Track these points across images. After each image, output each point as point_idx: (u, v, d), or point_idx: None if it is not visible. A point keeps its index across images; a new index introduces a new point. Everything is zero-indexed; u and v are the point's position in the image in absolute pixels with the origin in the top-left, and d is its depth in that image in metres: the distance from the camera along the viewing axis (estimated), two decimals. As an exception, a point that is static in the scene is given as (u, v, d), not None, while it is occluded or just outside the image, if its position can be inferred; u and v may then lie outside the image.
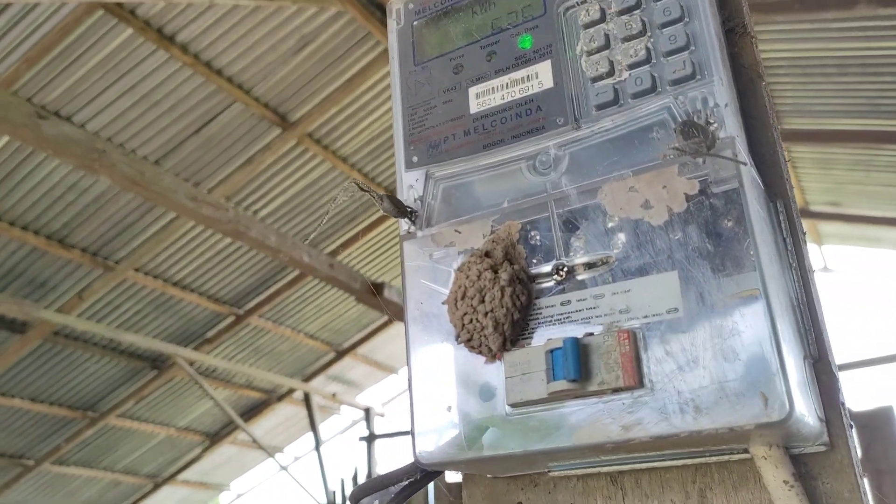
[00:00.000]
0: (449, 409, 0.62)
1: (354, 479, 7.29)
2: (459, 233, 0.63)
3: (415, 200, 0.67)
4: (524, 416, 0.57)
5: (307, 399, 8.39)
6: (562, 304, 0.58)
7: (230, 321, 7.01)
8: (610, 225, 0.57)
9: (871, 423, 5.84)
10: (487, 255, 0.59)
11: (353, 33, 5.45)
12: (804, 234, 0.65)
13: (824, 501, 0.57)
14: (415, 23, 0.73)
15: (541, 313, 0.58)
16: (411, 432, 0.62)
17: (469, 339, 0.58)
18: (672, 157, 0.53)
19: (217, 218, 3.90)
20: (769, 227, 0.60)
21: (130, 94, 4.85)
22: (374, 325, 8.31)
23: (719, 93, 0.56)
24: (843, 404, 0.59)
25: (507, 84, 0.65)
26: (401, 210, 0.65)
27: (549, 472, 0.67)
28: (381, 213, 5.76)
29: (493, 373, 0.59)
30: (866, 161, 5.92)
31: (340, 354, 8.40)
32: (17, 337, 6.02)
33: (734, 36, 0.69)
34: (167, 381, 7.32)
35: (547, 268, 0.59)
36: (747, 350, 0.50)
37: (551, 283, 0.59)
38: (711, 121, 0.54)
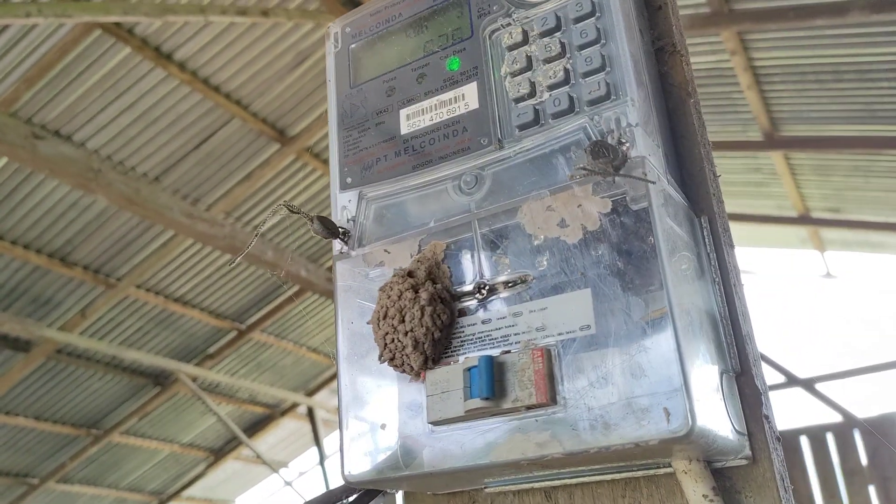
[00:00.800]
0: (383, 426, 0.62)
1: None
2: (389, 252, 0.64)
3: (348, 221, 0.68)
4: (445, 434, 0.57)
5: (311, 413, 8.39)
6: (483, 322, 0.58)
7: (232, 336, 7.03)
8: (529, 244, 0.58)
9: (877, 429, 5.77)
10: (410, 274, 0.60)
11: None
12: (732, 248, 0.65)
13: (743, 515, 0.57)
14: (352, 46, 0.74)
15: (463, 332, 0.59)
16: (340, 451, 0.63)
17: (392, 357, 0.59)
18: (579, 177, 0.54)
19: (213, 234, 3.93)
20: (691, 242, 0.61)
21: (129, 111, 4.89)
22: (376, 339, 8.31)
23: (632, 113, 0.56)
24: (766, 417, 0.60)
25: (435, 105, 0.66)
26: (331, 231, 0.66)
27: (485, 488, 0.67)
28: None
29: (419, 391, 0.60)
30: (865, 167, 5.91)
31: (344, 368, 8.41)
32: (21, 356, 6.06)
33: (664, 55, 0.70)
34: (170, 397, 7.34)
35: (469, 287, 0.60)
36: (653, 366, 0.51)
37: (474, 302, 0.59)
38: (623, 140, 0.55)
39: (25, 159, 3.60)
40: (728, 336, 0.60)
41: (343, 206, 0.68)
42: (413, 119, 0.67)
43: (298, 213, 0.64)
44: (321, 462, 8.22)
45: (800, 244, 7.71)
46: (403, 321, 0.58)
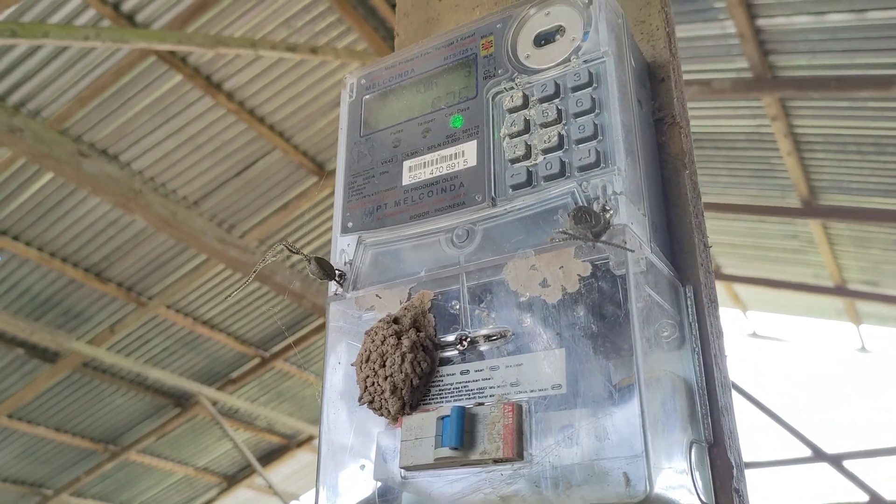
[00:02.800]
0: (362, 467, 0.64)
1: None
2: (380, 298, 0.67)
3: (345, 264, 0.70)
4: (416, 479, 0.59)
5: (327, 447, 8.37)
6: (461, 373, 0.60)
7: (255, 363, 7.08)
8: (512, 300, 0.60)
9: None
10: (396, 321, 0.62)
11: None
12: (716, 319, 0.66)
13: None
14: (365, 97, 0.78)
15: (443, 381, 0.61)
16: (316, 488, 0.64)
17: (371, 400, 0.61)
18: (559, 240, 0.56)
19: (244, 261, 4.00)
20: (673, 311, 0.62)
21: (176, 136, 5.04)
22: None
23: (617, 181, 0.58)
24: (737, 491, 0.60)
25: (437, 160, 0.69)
26: (328, 273, 0.68)
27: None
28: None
29: (396, 436, 0.62)
30: (904, 242, 5.81)
31: (363, 404, 8.39)
32: (48, 366, 6.17)
33: (663, 125, 0.72)
34: (189, 419, 7.39)
35: (452, 337, 0.61)
36: (618, 431, 0.51)
37: (455, 353, 0.61)
38: (608, 207, 0.57)
39: (71, 175, 3.73)
40: (703, 406, 0.61)
41: (342, 250, 0.71)
42: (415, 171, 0.70)
43: (297, 253, 0.67)
44: (333, 497, 8.16)
45: (835, 315, 7.56)
46: (384, 366, 0.60)
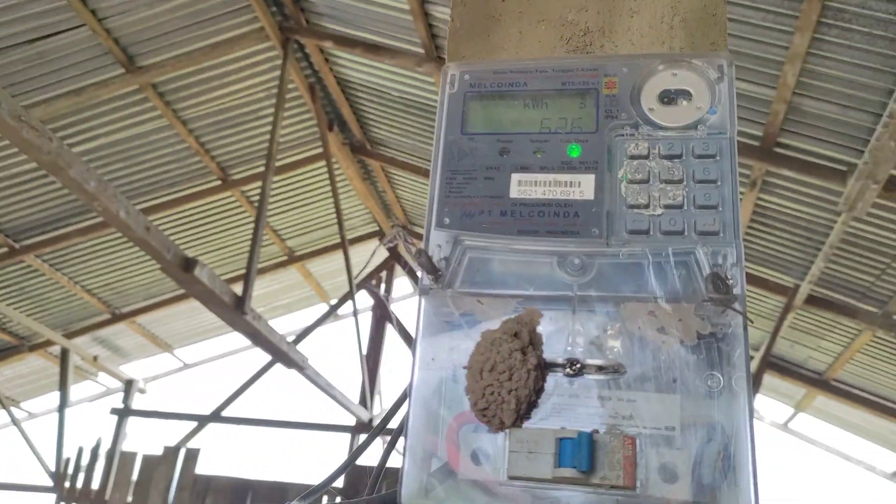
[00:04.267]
0: (443, 463, 0.66)
1: (95, 451, 6.77)
2: (482, 304, 0.69)
3: (440, 259, 0.71)
4: (520, 489, 0.63)
5: (64, 356, 7.69)
6: (570, 396, 0.65)
7: (2, 252, 6.30)
8: (625, 339, 0.65)
9: None
10: (516, 335, 0.65)
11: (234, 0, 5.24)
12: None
13: None
14: (467, 93, 0.78)
15: (549, 399, 0.65)
16: (399, 479, 0.65)
17: (486, 408, 0.63)
18: (707, 301, 0.63)
19: (38, 146, 3.53)
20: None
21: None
22: (163, 297, 7.85)
23: (734, 253, 0.66)
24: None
25: (550, 182, 0.72)
26: (433, 268, 0.68)
27: (489, 532, 0.73)
28: (206, 185, 5.49)
29: (489, 441, 0.65)
30: None
31: (116, 318, 7.82)
32: None
33: (724, 193, 0.81)
34: None
35: (559, 359, 0.66)
36: (730, 478, 0.60)
37: (560, 374, 0.65)
38: (729, 276, 0.65)
39: None
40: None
41: (438, 245, 0.71)
42: (524, 186, 0.72)
43: (410, 244, 0.66)
44: (61, 409, 7.55)
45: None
46: (511, 379, 0.62)
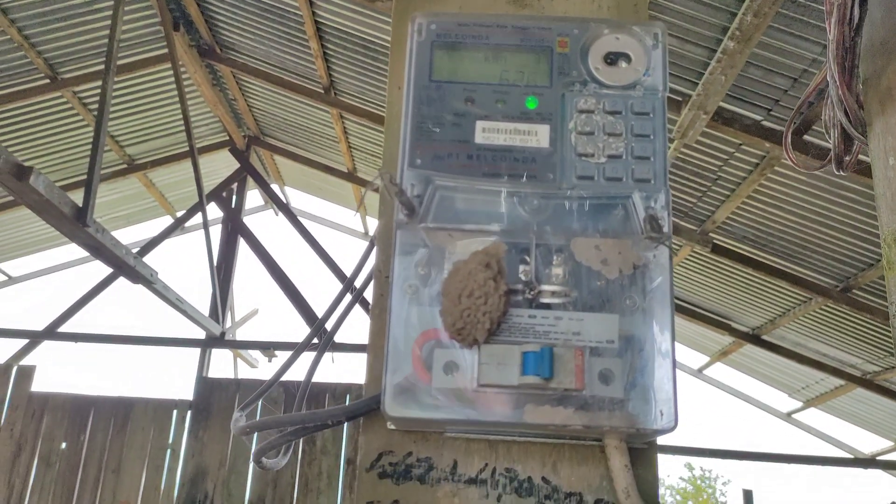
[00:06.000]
0: (422, 377, 0.76)
1: None
2: (451, 237, 0.78)
3: (413, 196, 0.79)
4: (489, 395, 0.74)
5: None
6: (529, 317, 0.76)
7: None
8: (574, 268, 0.78)
9: None
10: (488, 266, 0.75)
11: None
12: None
13: (637, 482, 0.84)
14: (434, 42, 0.84)
15: (511, 319, 0.76)
16: (382, 389, 0.75)
17: (462, 328, 0.73)
18: (645, 238, 0.76)
19: None
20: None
21: None
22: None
23: (664, 198, 0.80)
24: (653, 417, 0.88)
25: (511, 130, 0.81)
26: (410, 205, 0.77)
27: (444, 432, 0.84)
28: (31, 83, 5.05)
29: (459, 355, 0.76)
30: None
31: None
32: None
33: (642, 143, 0.94)
34: None
35: (520, 286, 0.77)
36: (656, 380, 0.75)
37: (520, 299, 0.77)
38: (661, 217, 0.78)
39: None
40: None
41: (412, 184, 0.79)
42: (488, 133, 0.81)
43: (395, 186, 0.74)
44: None
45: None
46: (486, 303, 0.73)
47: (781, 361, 7.48)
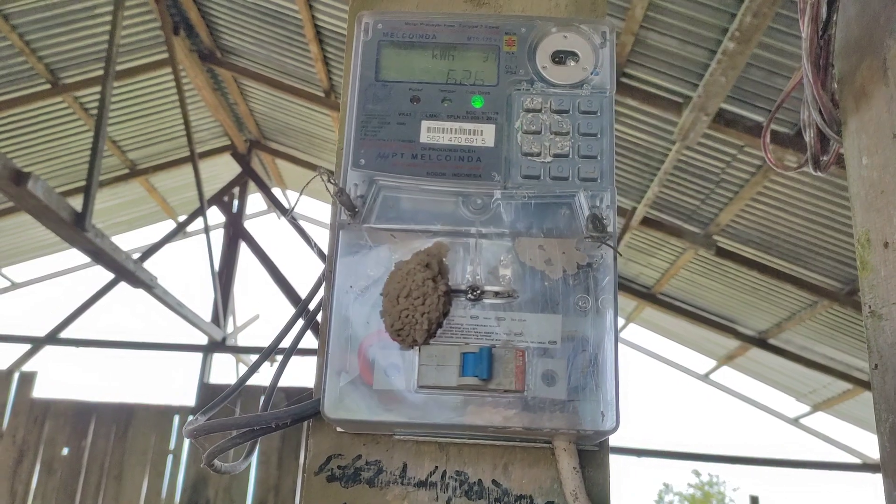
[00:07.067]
0: (363, 379, 0.75)
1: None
2: (395, 238, 0.77)
3: (356, 197, 0.78)
4: (429, 396, 0.73)
5: None
6: (471, 317, 0.76)
7: None
8: (518, 268, 0.77)
9: None
10: (427, 266, 0.74)
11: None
12: (606, 297, 0.91)
13: (588, 484, 0.83)
14: (381, 41, 0.84)
15: (453, 320, 0.75)
16: (321, 391, 0.74)
17: (401, 329, 0.73)
18: (587, 238, 0.75)
19: None
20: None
21: None
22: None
23: (609, 197, 0.79)
24: (607, 419, 0.87)
25: (456, 130, 0.81)
26: (350, 205, 0.76)
27: (393, 435, 0.84)
28: (33, 89, 5.11)
29: (399, 357, 0.75)
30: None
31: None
32: None
33: (597, 142, 0.93)
34: None
35: (463, 286, 0.76)
36: (598, 382, 0.74)
37: (463, 299, 0.76)
38: (604, 217, 0.77)
39: None
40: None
41: (355, 183, 0.79)
42: (433, 133, 0.81)
43: (332, 183, 0.73)
44: None
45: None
46: (424, 304, 0.72)
47: (788, 365, 7.42)
